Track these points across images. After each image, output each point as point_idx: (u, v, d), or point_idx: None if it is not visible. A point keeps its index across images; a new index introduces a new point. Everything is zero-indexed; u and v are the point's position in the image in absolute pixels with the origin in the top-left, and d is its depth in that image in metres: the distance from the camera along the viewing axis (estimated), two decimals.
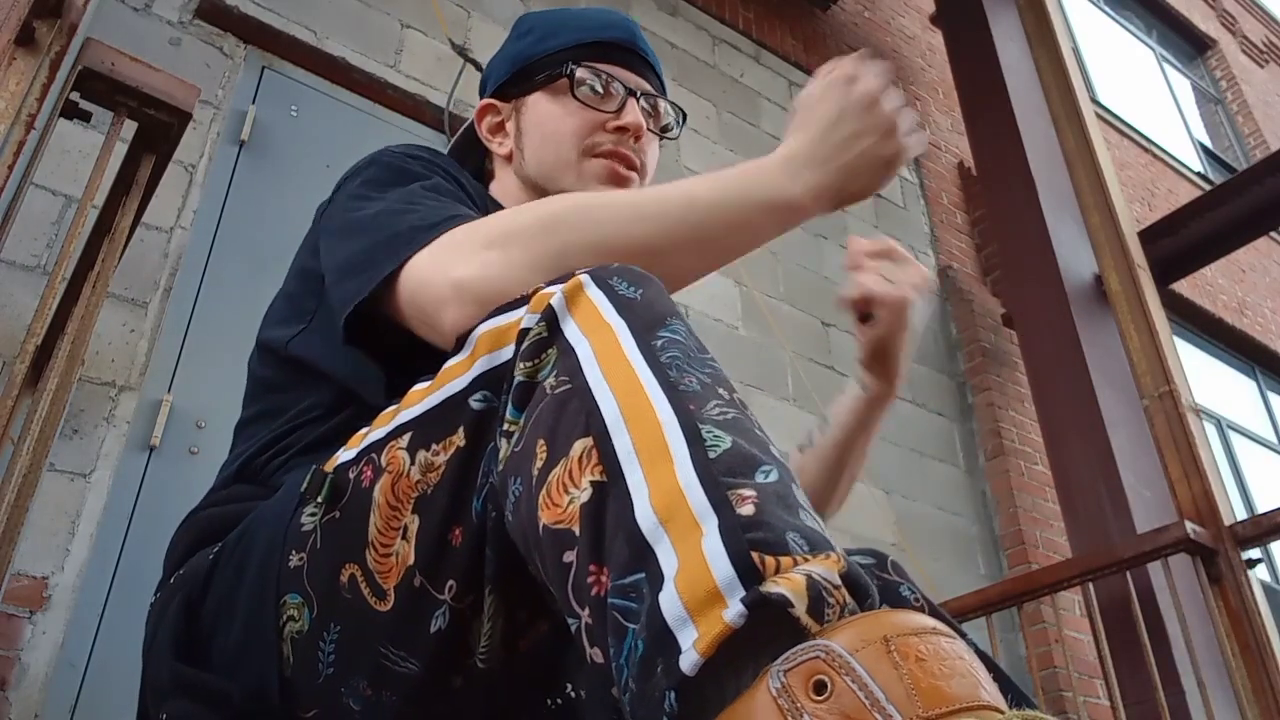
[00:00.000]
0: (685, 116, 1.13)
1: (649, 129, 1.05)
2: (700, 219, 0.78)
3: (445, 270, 0.75)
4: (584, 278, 0.62)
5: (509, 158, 1.06)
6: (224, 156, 2.84)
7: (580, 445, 0.53)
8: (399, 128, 3.26)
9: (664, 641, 0.44)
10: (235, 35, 3.04)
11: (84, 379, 2.30)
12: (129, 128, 1.37)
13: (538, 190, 1.03)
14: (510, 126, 1.07)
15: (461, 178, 0.96)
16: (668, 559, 0.46)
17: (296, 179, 2.91)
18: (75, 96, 1.32)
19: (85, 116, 1.34)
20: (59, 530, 2.16)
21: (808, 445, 1.07)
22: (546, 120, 1.04)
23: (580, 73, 1.03)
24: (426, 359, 0.77)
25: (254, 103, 2.98)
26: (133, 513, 2.28)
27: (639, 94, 1.05)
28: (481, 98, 1.11)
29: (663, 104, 1.09)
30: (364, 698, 0.67)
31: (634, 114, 1.02)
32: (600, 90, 1.03)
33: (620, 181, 1.01)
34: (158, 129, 1.39)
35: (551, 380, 0.58)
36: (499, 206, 1.01)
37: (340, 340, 0.79)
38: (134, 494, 2.30)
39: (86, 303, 1.32)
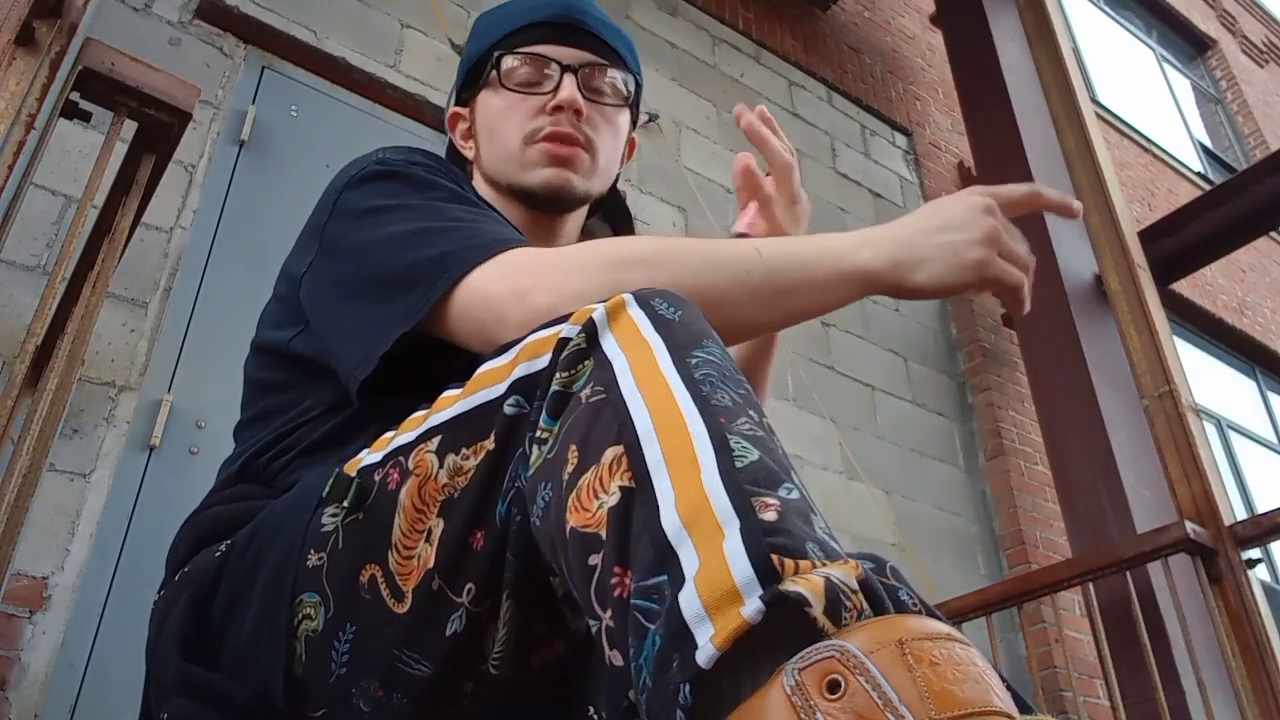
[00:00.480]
0: (640, 84, 1.10)
1: (598, 100, 1.04)
2: (765, 272, 0.77)
3: (515, 288, 0.76)
4: (626, 297, 0.63)
5: (476, 160, 1.08)
6: (224, 156, 2.84)
7: (611, 453, 0.54)
8: (399, 128, 3.26)
9: (681, 637, 0.45)
10: (235, 35, 3.04)
11: (84, 379, 2.30)
12: (129, 128, 1.37)
13: (496, 187, 1.04)
14: (472, 129, 1.08)
15: (463, 183, 0.96)
16: (689, 560, 0.47)
17: (296, 179, 2.91)
18: (75, 96, 1.32)
19: (85, 116, 1.34)
20: (59, 530, 2.16)
21: None
22: (491, 116, 1.04)
23: (507, 61, 1.03)
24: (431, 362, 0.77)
25: (254, 103, 2.98)
26: (133, 513, 2.28)
27: (578, 67, 1.02)
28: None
29: (611, 72, 1.05)
30: (374, 699, 0.67)
31: (568, 90, 1.01)
32: (530, 74, 1.02)
33: (560, 161, 1.00)
34: (158, 129, 1.39)
35: (587, 391, 0.59)
36: (492, 208, 1.01)
37: (383, 350, 0.79)
38: (134, 494, 2.30)
39: (86, 303, 1.32)
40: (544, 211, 1.03)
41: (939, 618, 0.50)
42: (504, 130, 1.02)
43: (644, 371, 0.58)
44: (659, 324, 0.61)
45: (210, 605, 0.76)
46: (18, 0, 1.15)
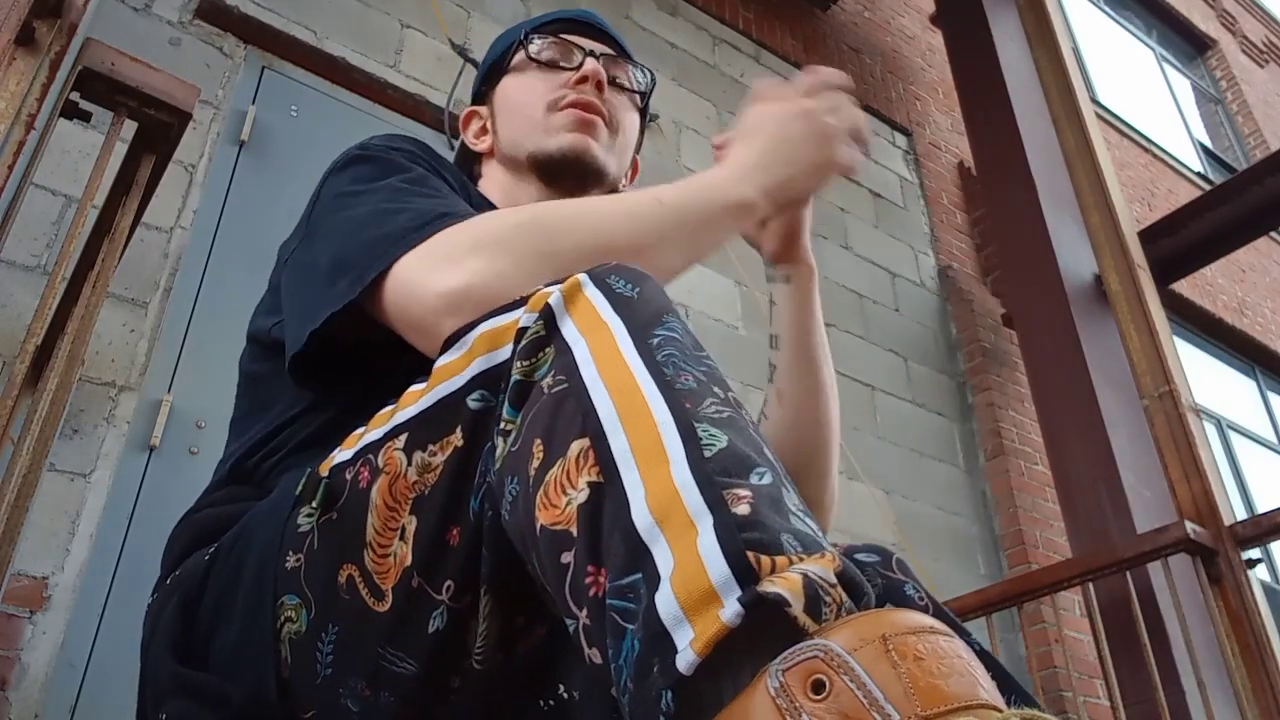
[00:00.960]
0: (654, 79, 1.16)
1: (618, 84, 1.09)
2: (669, 216, 0.81)
3: (434, 282, 0.74)
4: (582, 277, 0.62)
5: (491, 151, 1.10)
6: (224, 156, 2.84)
7: (577, 446, 0.53)
8: (399, 128, 3.26)
9: (661, 642, 0.44)
10: (235, 35, 3.04)
11: (84, 379, 2.30)
12: (129, 128, 1.37)
13: (513, 165, 1.06)
14: (489, 123, 1.12)
15: (444, 170, 0.96)
16: (664, 559, 0.46)
17: (296, 179, 2.91)
18: (75, 96, 1.32)
19: (85, 116, 1.34)
20: (59, 530, 2.16)
21: (773, 370, 1.06)
22: (513, 94, 1.09)
23: (535, 41, 1.09)
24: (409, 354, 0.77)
25: (254, 103, 2.98)
26: (133, 513, 2.28)
27: (598, 55, 1.08)
28: None
29: (626, 65, 1.12)
30: (362, 698, 0.67)
31: (592, 64, 1.06)
32: (556, 54, 1.08)
33: (585, 126, 1.03)
34: (158, 129, 1.39)
35: (549, 379, 0.58)
36: (489, 204, 1.02)
37: (311, 329, 0.79)
38: (134, 494, 2.30)
39: (86, 303, 1.32)
40: (562, 185, 1.04)
41: (946, 613, 0.49)
42: (527, 102, 1.06)
43: (605, 356, 0.57)
44: (617, 303, 0.60)
45: (198, 609, 0.75)
46: (18, 0, 1.15)
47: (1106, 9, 7.99)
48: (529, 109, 1.05)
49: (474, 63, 3.39)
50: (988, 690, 0.41)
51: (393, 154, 0.92)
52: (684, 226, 0.82)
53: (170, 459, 2.38)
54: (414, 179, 0.89)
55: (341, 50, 3.21)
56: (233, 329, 2.96)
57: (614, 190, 1.12)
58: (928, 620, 0.43)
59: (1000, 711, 0.40)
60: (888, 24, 5.75)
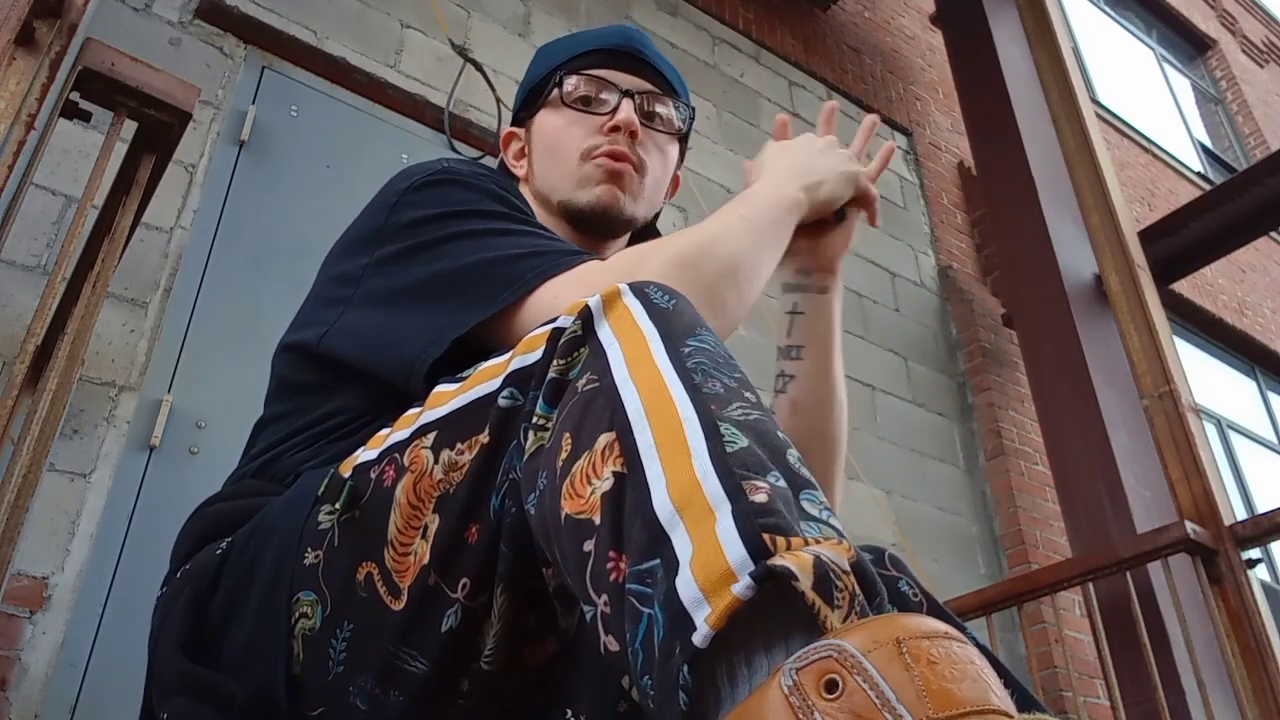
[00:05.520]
0: (694, 113, 1.15)
1: (653, 127, 1.08)
2: (756, 227, 0.90)
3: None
4: (622, 287, 0.65)
5: (527, 178, 1.10)
6: (224, 156, 2.84)
7: (604, 439, 0.55)
8: (399, 128, 3.26)
9: (682, 622, 0.45)
10: (235, 35, 3.04)
11: (84, 379, 2.30)
12: (129, 128, 1.37)
13: (544, 202, 1.06)
14: (526, 147, 1.12)
15: (519, 200, 0.98)
16: (683, 545, 0.48)
17: (296, 179, 2.91)
18: (75, 96, 1.32)
19: (85, 116, 1.34)
20: (59, 530, 2.16)
21: (787, 380, 1.06)
22: (548, 134, 1.08)
23: (569, 80, 1.07)
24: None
25: (254, 103, 2.97)
26: (133, 513, 2.27)
27: (635, 93, 1.07)
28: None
29: (666, 101, 1.10)
30: (372, 697, 0.67)
31: (625, 111, 1.05)
32: (590, 94, 1.06)
33: (613, 176, 1.03)
34: (158, 129, 1.39)
35: (582, 380, 0.60)
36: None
37: (456, 334, 0.80)
38: (134, 494, 2.30)
39: (86, 303, 1.32)
40: (588, 234, 1.05)
41: (941, 607, 0.50)
42: (562, 146, 1.06)
43: (637, 359, 0.59)
44: (654, 313, 0.62)
45: (210, 604, 0.76)
46: (18, 0, 1.15)
47: (1106, 9, 7.99)
48: (562, 156, 1.05)
49: (474, 63, 3.39)
50: (999, 696, 0.42)
51: (482, 180, 0.93)
52: (765, 232, 0.91)
53: (170, 459, 2.38)
54: (515, 211, 0.91)
55: (341, 50, 3.21)
56: (233, 329, 2.95)
57: (648, 226, 1.13)
58: (941, 625, 0.44)
59: (1011, 717, 0.40)
60: (888, 24, 5.75)
